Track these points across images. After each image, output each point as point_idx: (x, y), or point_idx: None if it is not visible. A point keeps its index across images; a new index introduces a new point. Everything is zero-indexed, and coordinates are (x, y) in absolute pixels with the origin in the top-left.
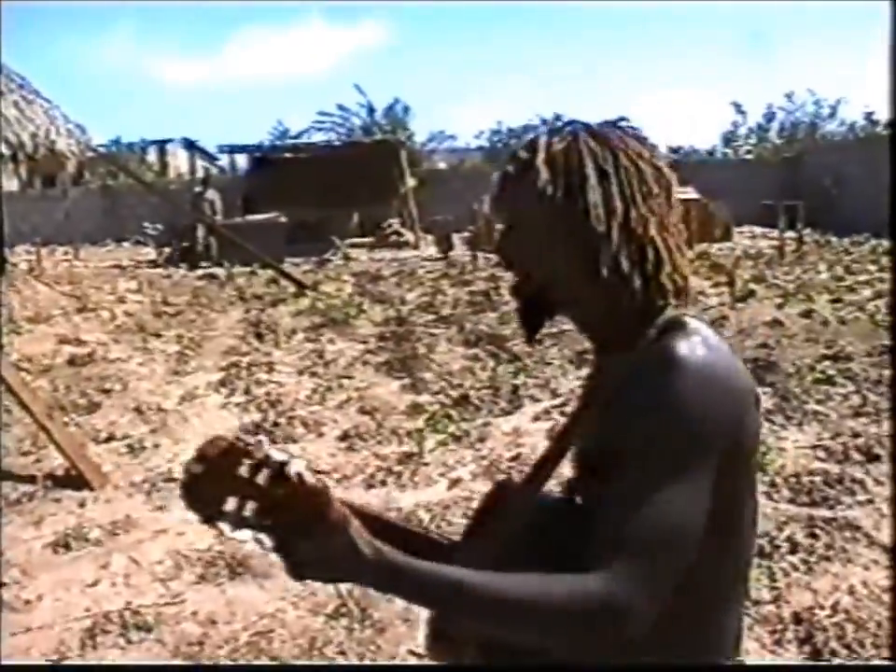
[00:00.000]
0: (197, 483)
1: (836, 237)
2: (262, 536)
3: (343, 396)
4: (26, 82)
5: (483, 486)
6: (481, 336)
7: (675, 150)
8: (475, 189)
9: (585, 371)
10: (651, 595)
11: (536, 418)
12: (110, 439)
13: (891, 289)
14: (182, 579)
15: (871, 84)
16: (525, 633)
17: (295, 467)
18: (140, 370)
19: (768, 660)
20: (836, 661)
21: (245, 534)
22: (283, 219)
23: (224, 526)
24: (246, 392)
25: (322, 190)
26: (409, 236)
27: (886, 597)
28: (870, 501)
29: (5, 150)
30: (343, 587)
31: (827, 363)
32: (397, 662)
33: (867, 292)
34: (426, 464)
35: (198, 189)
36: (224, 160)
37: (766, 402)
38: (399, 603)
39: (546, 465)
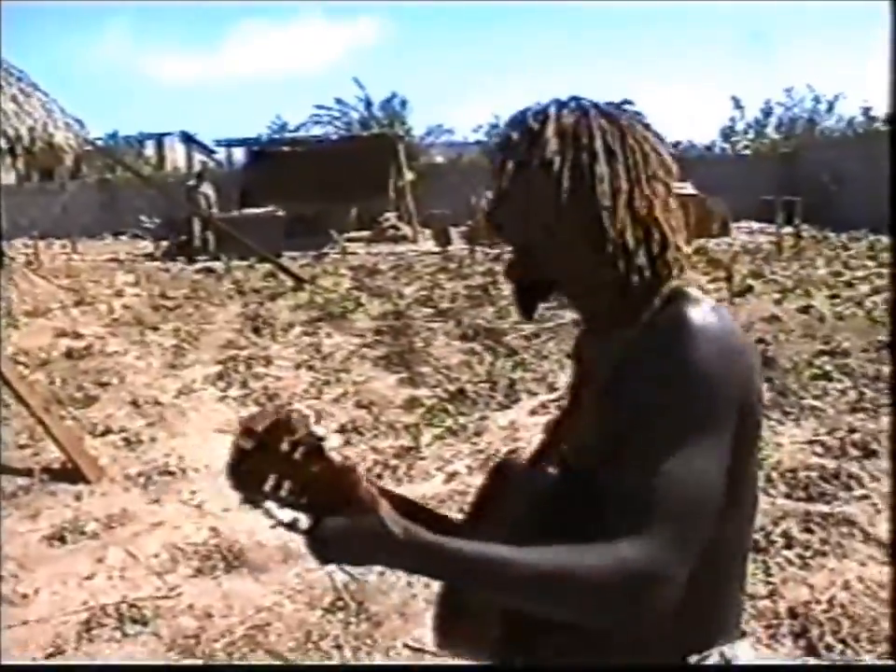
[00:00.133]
0: (244, 461)
1: (834, 233)
2: (301, 515)
3: (341, 390)
4: (24, 75)
5: (480, 481)
6: (478, 330)
7: (673, 145)
8: (473, 184)
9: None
10: (685, 558)
11: (533, 412)
12: (107, 432)
13: (891, 285)
14: (178, 572)
15: (869, 82)
16: (559, 604)
17: (330, 444)
18: (137, 363)
19: (764, 654)
20: (832, 656)
21: (287, 514)
22: (280, 213)
23: (270, 505)
24: (244, 386)
25: (320, 184)
26: (406, 230)
27: (881, 593)
28: (866, 497)
29: (2, 144)
30: (339, 580)
31: (824, 359)
32: (392, 655)
33: (865, 288)
34: (423, 458)
35: (191, 182)
36: (222, 153)
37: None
38: (396, 597)
39: (542, 457)
